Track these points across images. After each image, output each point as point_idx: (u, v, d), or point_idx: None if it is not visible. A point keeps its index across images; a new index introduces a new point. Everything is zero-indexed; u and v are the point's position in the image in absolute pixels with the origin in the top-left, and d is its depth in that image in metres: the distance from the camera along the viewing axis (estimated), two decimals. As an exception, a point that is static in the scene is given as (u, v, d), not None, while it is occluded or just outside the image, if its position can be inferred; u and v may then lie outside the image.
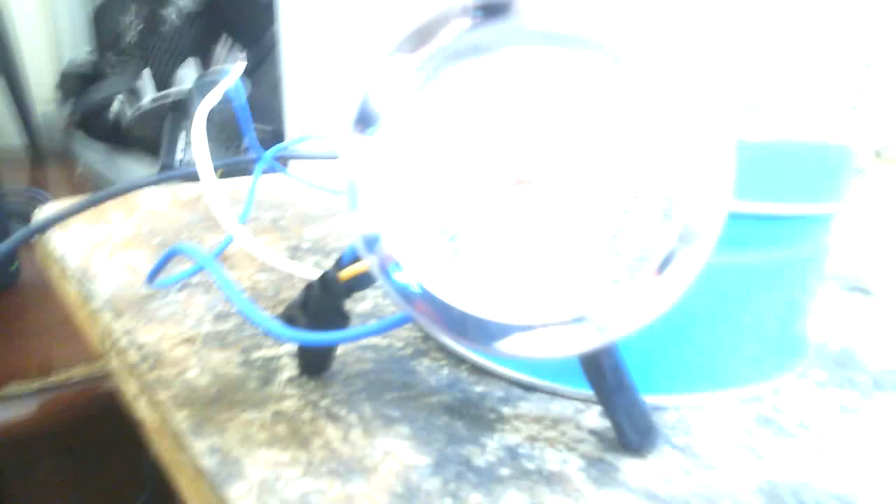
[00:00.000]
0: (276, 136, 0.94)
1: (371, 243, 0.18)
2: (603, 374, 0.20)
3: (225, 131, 1.02)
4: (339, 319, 0.23)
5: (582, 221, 0.18)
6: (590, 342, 0.17)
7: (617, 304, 0.17)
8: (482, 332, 0.18)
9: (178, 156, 1.08)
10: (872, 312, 0.34)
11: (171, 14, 1.20)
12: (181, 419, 0.22)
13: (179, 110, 1.09)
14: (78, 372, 0.63)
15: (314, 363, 0.25)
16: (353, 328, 0.20)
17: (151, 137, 1.32)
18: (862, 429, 0.24)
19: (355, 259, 0.22)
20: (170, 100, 1.17)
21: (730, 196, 0.16)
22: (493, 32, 0.17)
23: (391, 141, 0.18)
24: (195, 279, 0.34)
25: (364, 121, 0.18)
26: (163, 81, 1.41)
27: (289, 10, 0.81)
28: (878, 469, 0.21)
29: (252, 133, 0.41)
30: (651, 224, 0.17)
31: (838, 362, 0.28)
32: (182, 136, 1.07)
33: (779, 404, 0.25)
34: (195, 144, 0.37)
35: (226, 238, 0.37)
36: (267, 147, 0.44)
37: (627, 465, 0.21)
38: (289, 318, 0.23)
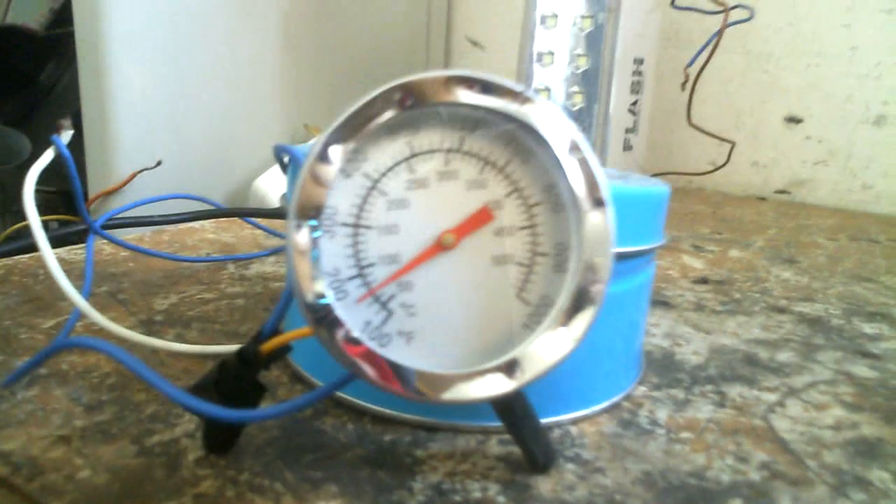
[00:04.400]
0: (68, 200, 0.83)
1: (318, 312, 0.19)
2: (512, 407, 0.23)
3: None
4: (254, 392, 0.23)
5: (494, 278, 0.21)
6: (509, 385, 0.20)
7: (530, 348, 0.20)
8: (426, 384, 0.20)
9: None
10: (674, 321, 0.42)
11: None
12: (90, 525, 0.20)
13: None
14: None
15: (222, 440, 0.25)
16: (289, 401, 0.21)
17: None
18: (692, 416, 0.30)
19: (275, 331, 0.22)
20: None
21: (613, 247, 0.20)
22: (412, 121, 0.20)
23: (334, 221, 0.20)
24: (43, 370, 0.31)
25: (305, 209, 0.19)
26: None
27: (87, 46, 0.65)
28: (713, 445, 0.27)
29: (82, 201, 0.38)
30: (548, 275, 0.21)
31: (663, 366, 0.35)
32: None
33: (633, 408, 0.30)
34: (28, 213, 0.33)
35: (72, 314, 0.34)
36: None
37: (536, 482, 0.24)
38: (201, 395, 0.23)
